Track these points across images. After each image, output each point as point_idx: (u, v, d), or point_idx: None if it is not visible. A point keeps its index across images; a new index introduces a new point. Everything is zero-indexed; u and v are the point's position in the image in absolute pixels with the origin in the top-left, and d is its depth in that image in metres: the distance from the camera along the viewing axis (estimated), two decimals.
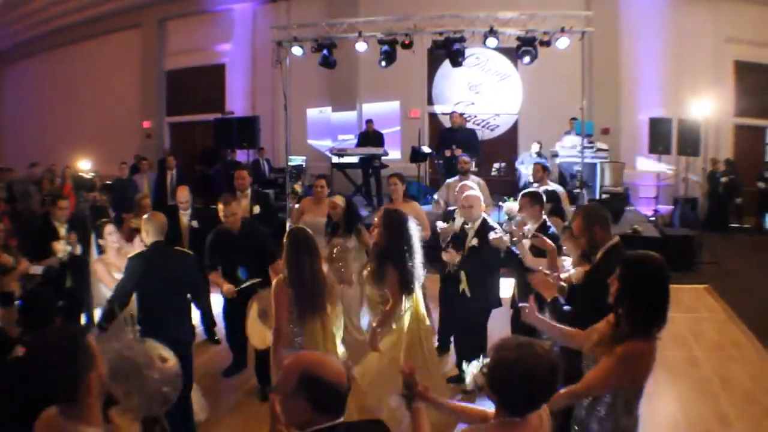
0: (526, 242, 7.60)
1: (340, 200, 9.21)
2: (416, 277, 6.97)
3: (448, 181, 11.97)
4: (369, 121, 20.11)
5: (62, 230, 9.40)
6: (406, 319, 6.94)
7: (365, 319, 9.20)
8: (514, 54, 17.44)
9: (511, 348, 3.38)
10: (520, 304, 5.29)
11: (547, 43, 15.88)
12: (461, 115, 18.00)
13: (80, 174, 17.85)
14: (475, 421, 3.93)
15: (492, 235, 7.93)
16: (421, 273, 7.06)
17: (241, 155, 20.96)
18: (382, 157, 18.77)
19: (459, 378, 7.78)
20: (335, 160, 19.36)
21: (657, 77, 21.23)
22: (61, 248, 9.01)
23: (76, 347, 3.26)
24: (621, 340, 4.24)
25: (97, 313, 7.98)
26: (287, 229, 9.09)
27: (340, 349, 6.73)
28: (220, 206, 8.38)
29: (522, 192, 8.34)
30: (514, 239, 7.78)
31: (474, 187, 9.03)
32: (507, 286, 8.74)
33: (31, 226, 11.85)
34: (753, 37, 20.53)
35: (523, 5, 17.39)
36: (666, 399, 8.17)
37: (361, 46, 16.93)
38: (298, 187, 16.92)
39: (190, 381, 6.89)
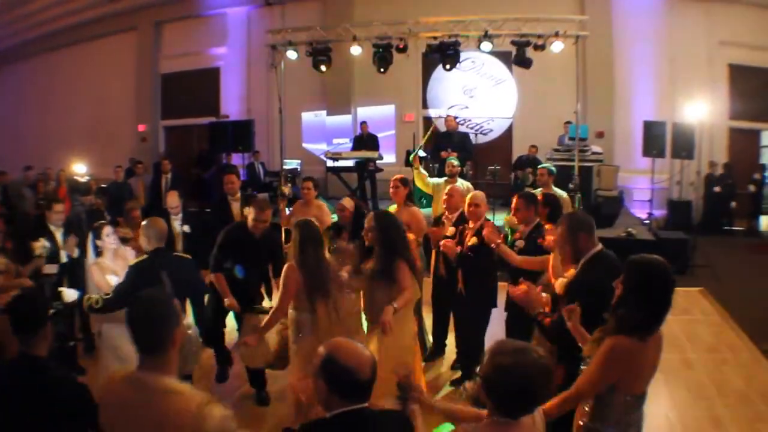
0: (519, 243, 7.65)
1: (348, 203, 9.06)
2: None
3: (436, 181, 11.96)
4: (363, 124, 20.10)
5: (58, 234, 9.39)
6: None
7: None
8: (509, 58, 17.49)
9: (508, 353, 3.40)
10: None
11: (542, 47, 15.92)
12: (455, 118, 18.01)
13: (75, 177, 17.86)
14: (469, 422, 3.94)
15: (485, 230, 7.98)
16: None
17: (237, 159, 20.97)
18: (377, 161, 18.80)
19: (460, 381, 7.85)
20: (330, 163, 19.44)
21: (651, 81, 21.28)
22: (39, 246, 8.95)
23: (170, 305, 3.68)
24: (609, 334, 4.30)
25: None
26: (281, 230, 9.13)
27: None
28: (252, 210, 8.08)
29: (518, 193, 8.38)
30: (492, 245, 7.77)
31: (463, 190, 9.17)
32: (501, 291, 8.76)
33: (24, 229, 11.84)
34: (747, 40, 20.57)
35: (518, 9, 17.45)
36: (660, 401, 8.19)
37: (355, 50, 16.95)
38: (286, 190, 16.94)
39: None
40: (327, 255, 7.36)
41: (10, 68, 29.67)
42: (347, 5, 22.82)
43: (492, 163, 18.64)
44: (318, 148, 23.25)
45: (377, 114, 22.63)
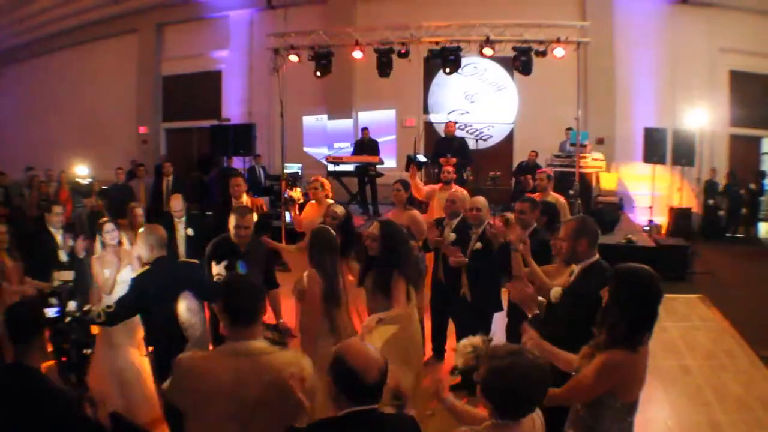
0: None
1: (340, 210, 8.68)
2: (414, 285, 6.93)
3: (431, 188, 11.93)
4: (364, 130, 20.18)
5: (57, 236, 9.42)
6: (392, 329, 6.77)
7: None
8: (510, 64, 17.50)
9: (504, 356, 3.47)
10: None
11: (543, 53, 15.94)
12: (455, 124, 18.04)
13: (77, 180, 17.91)
14: (470, 424, 3.98)
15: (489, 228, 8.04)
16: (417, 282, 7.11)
17: (237, 162, 20.97)
18: (378, 166, 18.85)
19: (460, 386, 7.87)
20: (331, 167, 19.43)
21: (652, 87, 21.31)
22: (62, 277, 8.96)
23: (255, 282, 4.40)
24: (602, 349, 4.30)
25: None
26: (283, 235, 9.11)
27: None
28: (234, 217, 7.78)
29: (521, 198, 8.42)
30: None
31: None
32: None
33: (24, 229, 11.87)
34: (748, 47, 20.62)
35: (520, 15, 17.47)
36: (659, 407, 8.21)
37: (357, 55, 16.97)
38: (295, 194, 16.99)
39: None
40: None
41: (12, 69, 29.68)
42: (350, 10, 22.87)
43: (493, 169, 18.70)
44: (319, 152, 23.29)
45: (378, 118, 22.68)
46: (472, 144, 18.33)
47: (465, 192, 10.91)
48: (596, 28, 18.29)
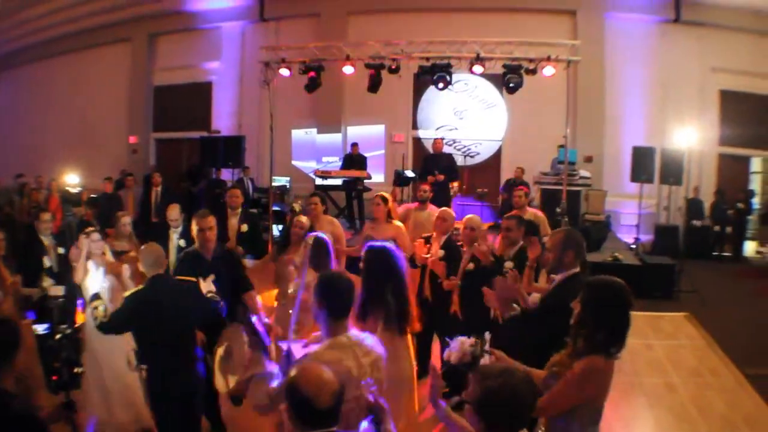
0: (508, 264, 7.69)
1: (306, 221, 8.88)
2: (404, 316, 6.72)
3: (406, 207, 11.91)
4: (354, 145, 20.25)
5: (47, 242, 9.43)
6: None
7: None
8: (500, 81, 17.54)
9: (494, 376, 3.49)
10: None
11: (533, 71, 15.99)
12: (442, 140, 18.10)
13: (67, 188, 17.90)
14: None
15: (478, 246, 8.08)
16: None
17: (226, 174, 20.96)
18: (366, 181, 18.89)
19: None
20: (319, 181, 19.46)
21: (642, 106, 21.43)
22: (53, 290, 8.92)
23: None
24: (579, 356, 4.36)
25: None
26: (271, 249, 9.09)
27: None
28: (195, 221, 7.87)
29: (507, 215, 8.49)
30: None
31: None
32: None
33: (14, 236, 11.85)
34: (739, 66, 20.76)
35: (510, 33, 17.53)
36: (644, 425, 8.26)
37: (348, 70, 17.00)
38: (297, 206, 17.01)
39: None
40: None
41: (4, 76, 29.70)
42: (341, 24, 22.92)
43: (480, 186, 18.79)
44: (307, 165, 23.29)
45: (367, 133, 22.70)
46: (460, 160, 18.42)
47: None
48: (587, 47, 18.35)
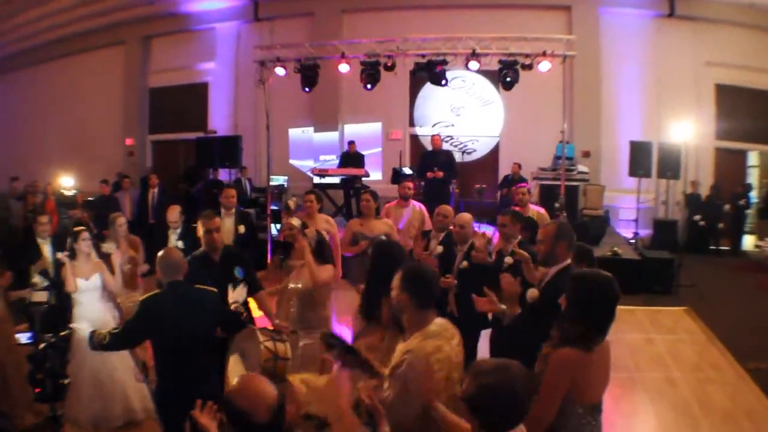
0: (508, 259, 7.64)
1: (297, 222, 8.41)
2: None
3: (387, 206, 11.82)
4: (351, 143, 20.26)
5: (45, 247, 9.37)
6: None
7: None
8: (497, 78, 17.51)
9: (490, 372, 3.46)
10: None
11: (529, 67, 15.96)
12: (439, 136, 18.08)
13: (62, 191, 17.87)
14: None
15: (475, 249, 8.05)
16: None
17: (223, 174, 20.94)
18: (363, 178, 18.86)
19: None
20: (316, 180, 19.43)
21: (638, 101, 21.39)
22: (37, 281, 8.82)
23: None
24: (555, 348, 4.36)
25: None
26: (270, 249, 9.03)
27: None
28: (201, 222, 7.71)
29: (503, 210, 8.47)
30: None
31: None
32: None
33: (11, 240, 11.80)
34: (734, 60, 20.71)
35: (505, 29, 17.53)
36: (645, 420, 8.22)
37: (343, 68, 16.97)
38: (292, 204, 16.94)
39: None
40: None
41: None
42: (336, 22, 22.89)
43: (478, 182, 18.77)
44: (305, 164, 23.24)
45: (364, 131, 22.65)
46: (457, 157, 18.39)
47: (424, 208, 11.04)
48: (582, 42, 18.33)
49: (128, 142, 26.45)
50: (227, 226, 10.28)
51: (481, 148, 22.79)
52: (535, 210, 11.31)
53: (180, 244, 10.03)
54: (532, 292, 6.09)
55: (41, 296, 8.47)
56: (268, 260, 12.81)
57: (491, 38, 16.30)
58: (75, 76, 27.09)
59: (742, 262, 18.78)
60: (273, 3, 24.00)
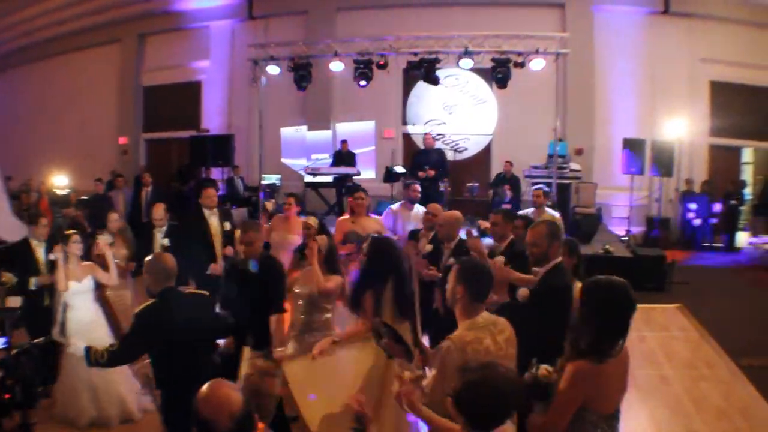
0: (500, 259, 7.64)
1: (313, 222, 8.65)
2: (403, 307, 6.66)
3: (392, 207, 11.77)
4: (344, 142, 20.31)
5: (39, 250, 9.29)
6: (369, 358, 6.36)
7: None
8: (490, 75, 17.52)
9: (475, 369, 3.50)
10: None
11: (522, 65, 15.98)
12: (433, 136, 18.10)
13: (55, 190, 17.86)
14: None
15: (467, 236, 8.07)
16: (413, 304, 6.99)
17: (216, 173, 20.92)
18: (356, 177, 18.87)
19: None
20: (309, 179, 19.51)
21: (632, 98, 21.37)
22: (6, 279, 8.76)
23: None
24: (570, 360, 4.29)
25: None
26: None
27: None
28: (237, 233, 7.67)
29: (495, 209, 8.51)
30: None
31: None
32: None
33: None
34: (729, 57, 20.71)
35: (498, 27, 17.52)
36: (638, 417, 8.21)
37: (336, 66, 16.99)
38: (269, 205, 16.94)
39: None
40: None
41: None
42: (330, 21, 22.84)
43: (470, 181, 18.75)
44: (297, 163, 23.17)
45: (357, 130, 22.60)
46: (449, 155, 18.40)
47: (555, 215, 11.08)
48: (576, 40, 18.34)
49: (122, 140, 26.43)
50: (214, 225, 10.27)
51: (473, 147, 22.74)
52: (550, 214, 11.29)
53: (166, 241, 10.07)
54: (523, 291, 6.13)
55: (15, 301, 8.32)
56: None
57: (484, 36, 16.33)
58: (69, 74, 27.07)
59: (735, 259, 18.79)
60: (267, 1, 23.97)
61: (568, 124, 19.98)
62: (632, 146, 18.41)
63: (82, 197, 17.89)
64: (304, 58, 17.10)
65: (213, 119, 24.82)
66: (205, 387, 3.36)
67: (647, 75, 21.35)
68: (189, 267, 8.06)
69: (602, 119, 21.49)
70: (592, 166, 20.84)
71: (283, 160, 23.40)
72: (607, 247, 15.71)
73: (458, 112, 22.78)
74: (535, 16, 21.41)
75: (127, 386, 8.00)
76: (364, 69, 16.82)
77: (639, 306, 4.43)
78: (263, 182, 19.37)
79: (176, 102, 26.14)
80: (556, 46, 16.19)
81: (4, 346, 7.09)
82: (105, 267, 8.67)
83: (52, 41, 27.25)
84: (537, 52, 15.85)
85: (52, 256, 8.28)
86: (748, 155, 22.37)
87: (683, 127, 18.05)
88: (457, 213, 8.66)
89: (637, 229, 19.32)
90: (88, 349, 5.70)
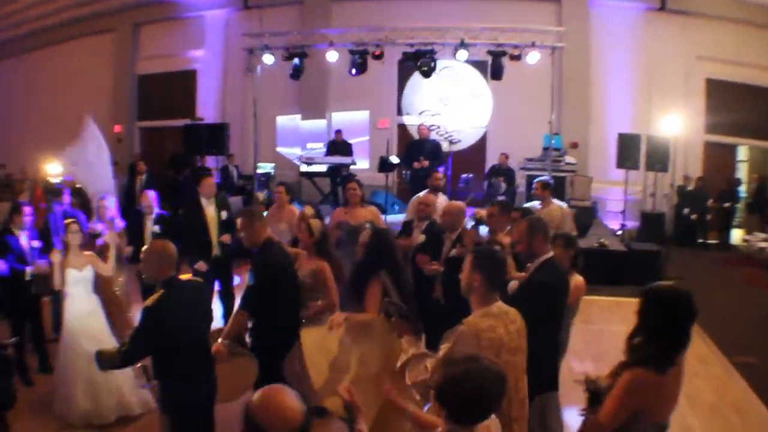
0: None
1: (310, 212, 8.47)
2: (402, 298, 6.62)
3: (419, 195, 11.69)
4: (338, 132, 20.32)
5: (23, 238, 9.19)
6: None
7: None
8: (486, 68, 17.51)
9: (458, 362, 3.49)
10: None
11: (518, 58, 15.97)
12: (428, 126, 18.08)
13: (49, 179, 17.82)
14: (426, 429, 4.07)
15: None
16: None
17: (210, 162, 20.91)
18: (350, 167, 18.84)
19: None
20: (304, 168, 19.47)
21: (627, 93, 21.40)
22: None
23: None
24: (627, 367, 4.21)
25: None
26: None
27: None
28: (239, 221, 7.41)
29: (492, 201, 8.51)
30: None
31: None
32: None
33: None
34: (724, 55, 20.78)
35: (495, 19, 17.50)
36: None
37: (332, 56, 16.96)
38: (260, 196, 16.92)
39: None
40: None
41: None
42: (325, 11, 22.81)
43: (465, 172, 18.72)
44: (292, 152, 23.15)
45: (351, 119, 22.56)
46: (444, 147, 18.39)
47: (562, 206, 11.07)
48: (572, 34, 18.37)
49: (116, 128, 26.34)
50: (211, 214, 10.27)
51: (468, 138, 22.75)
52: (557, 205, 11.25)
53: (156, 228, 10.20)
54: (513, 285, 6.13)
55: None
56: None
57: (480, 28, 16.30)
58: (64, 64, 26.96)
59: (730, 256, 18.80)
60: None
61: (563, 118, 19.95)
62: (627, 141, 18.39)
63: (77, 186, 17.85)
64: (299, 48, 17.06)
65: (208, 108, 24.75)
66: (261, 392, 3.10)
67: (643, 71, 21.39)
68: (181, 254, 8.01)
69: (597, 113, 21.50)
70: (587, 160, 20.87)
71: (278, 149, 23.38)
72: (602, 240, 15.73)
73: (453, 104, 22.75)
74: (532, 9, 21.37)
75: (126, 380, 7.92)
76: (359, 59, 16.80)
77: (632, 300, 4.40)
78: (258, 171, 19.32)
79: (171, 91, 26.11)
80: (552, 40, 16.19)
81: None
82: (105, 258, 8.72)
83: (48, 30, 27.17)
84: (533, 45, 15.85)
85: (51, 259, 8.29)
86: (743, 153, 22.42)
87: (678, 124, 18.03)
88: (461, 203, 8.68)
89: (632, 224, 19.30)
90: (99, 354, 5.63)
